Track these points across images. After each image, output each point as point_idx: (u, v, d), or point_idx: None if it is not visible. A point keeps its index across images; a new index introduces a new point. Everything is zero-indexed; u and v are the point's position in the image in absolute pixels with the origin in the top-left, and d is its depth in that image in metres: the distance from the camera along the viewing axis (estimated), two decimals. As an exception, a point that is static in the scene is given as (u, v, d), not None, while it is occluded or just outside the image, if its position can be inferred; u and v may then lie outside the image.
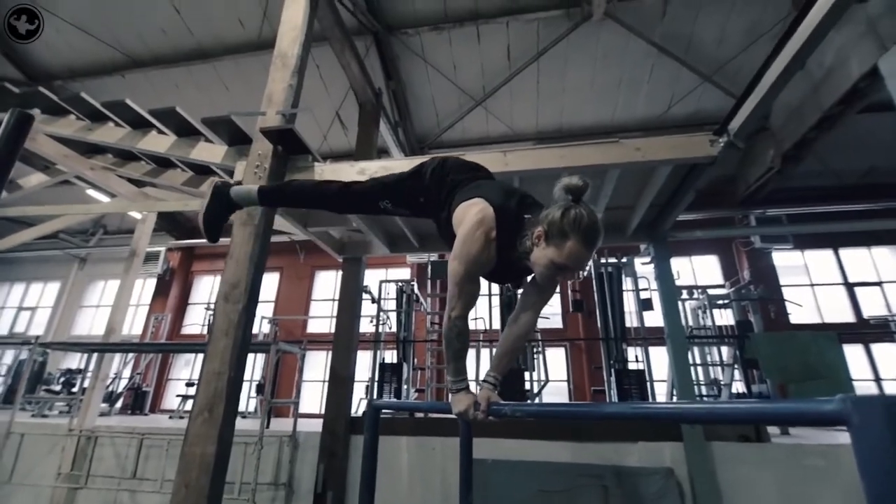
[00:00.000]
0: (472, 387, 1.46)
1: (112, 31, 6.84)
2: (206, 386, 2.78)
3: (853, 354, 7.10)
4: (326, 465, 4.30)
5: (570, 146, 3.23)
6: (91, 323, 11.36)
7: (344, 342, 4.75)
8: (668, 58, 6.21)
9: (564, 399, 8.16)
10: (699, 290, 7.05)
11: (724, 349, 5.86)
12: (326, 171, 3.53)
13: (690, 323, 7.02)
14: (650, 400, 4.97)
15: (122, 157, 5.10)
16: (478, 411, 1.36)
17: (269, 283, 11.17)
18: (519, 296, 1.60)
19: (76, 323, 11.39)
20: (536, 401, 5.25)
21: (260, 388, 8.81)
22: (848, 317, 8.32)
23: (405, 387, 5.39)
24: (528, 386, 5.27)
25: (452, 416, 1.44)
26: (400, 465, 4.29)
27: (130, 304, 11.66)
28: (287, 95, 3.66)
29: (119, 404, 8.97)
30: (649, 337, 5.37)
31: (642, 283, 6.01)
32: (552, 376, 8.54)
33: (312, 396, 9.20)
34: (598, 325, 5.69)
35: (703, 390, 6.23)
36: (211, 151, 3.79)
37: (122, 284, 5.39)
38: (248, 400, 8.93)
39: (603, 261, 6.37)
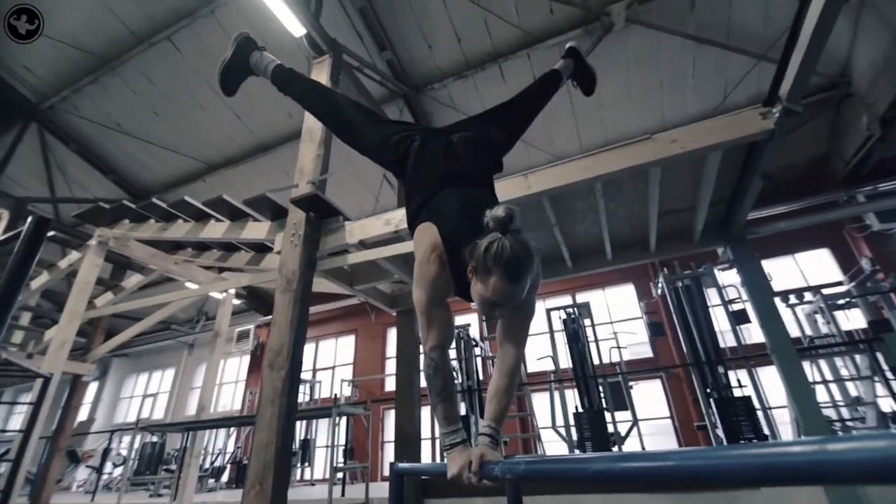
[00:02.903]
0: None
1: (191, 146, 8.00)
2: (257, 458, 2.78)
3: None
4: (401, 534, 4.02)
5: (595, 154, 2.98)
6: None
7: (406, 398, 4.61)
8: (710, 47, 5.74)
9: (670, 439, 7.07)
10: (812, 292, 5.89)
11: (859, 358, 4.70)
12: (356, 229, 3.61)
13: (808, 332, 5.81)
14: (766, 433, 4.05)
15: (198, 250, 5.71)
16: (471, 473, 1.13)
17: (347, 346, 11.54)
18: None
19: (189, 404, 12.56)
20: (626, 446, 4.54)
21: (348, 453, 8.83)
22: None
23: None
24: (612, 428, 4.60)
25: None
26: (478, 532, 3.89)
27: (231, 382, 12.76)
28: (315, 165, 3.90)
29: (224, 478, 9.46)
30: (750, 356, 4.46)
31: (732, 294, 5.16)
32: (652, 413, 7.54)
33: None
34: (684, 349, 4.89)
35: (845, 413, 4.98)
36: (257, 229, 4.09)
37: (207, 365, 5.85)
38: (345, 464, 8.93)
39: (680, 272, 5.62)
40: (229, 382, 12.59)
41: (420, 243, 1.34)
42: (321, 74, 4.45)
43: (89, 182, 8.55)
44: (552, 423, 4.95)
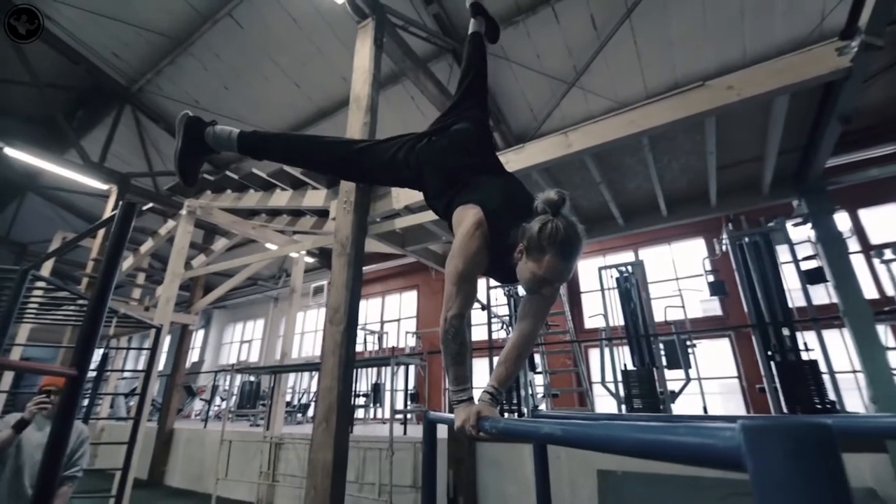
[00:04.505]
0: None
1: (259, 117, 8.54)
2: (323, 400, 3.21)
3: None
4: (455, 471, 4.45)
5: (640, 107, 2.81)
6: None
7: (458, 351, 4.89)
8: (804, -41, 4.89)
9: (737, 398, 6.81)
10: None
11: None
12: (401, 195, 3.77)
13: (906, 291, 5.12)
14: (832, 399, 3.76)
15: (270, 215, 6.28)
16: (470, 426, 1.29)
17: (411, 300, 12.19)
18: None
19: (276, 350, 14.21)
20: (675, 406, 4.47)
21: (413, 397, 9.63)
22: None
23: (529, 392, 5.22)
24: (668, 386, 4.54)
25: None
26: (525, 474, 4.18)
27: (312, 331, 14.16)
28: (363, 133, 4.06)
29: (310, 413, 10.79)
30: (821, 318, 4.05)
31: (806, 251, 4.63)
32: (719, 372, 7.25)
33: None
34: (745, 309, 4.56)
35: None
36: (315, 196, 4.42)
37: (286, 317, 6.58)
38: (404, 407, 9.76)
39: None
40: (310, 332, 13.95)
41: (464, 220, 1.40)
42: (365, 39, 4.50)
43: (178, 156, 9.54)
44: (601, 379, 5.01)
